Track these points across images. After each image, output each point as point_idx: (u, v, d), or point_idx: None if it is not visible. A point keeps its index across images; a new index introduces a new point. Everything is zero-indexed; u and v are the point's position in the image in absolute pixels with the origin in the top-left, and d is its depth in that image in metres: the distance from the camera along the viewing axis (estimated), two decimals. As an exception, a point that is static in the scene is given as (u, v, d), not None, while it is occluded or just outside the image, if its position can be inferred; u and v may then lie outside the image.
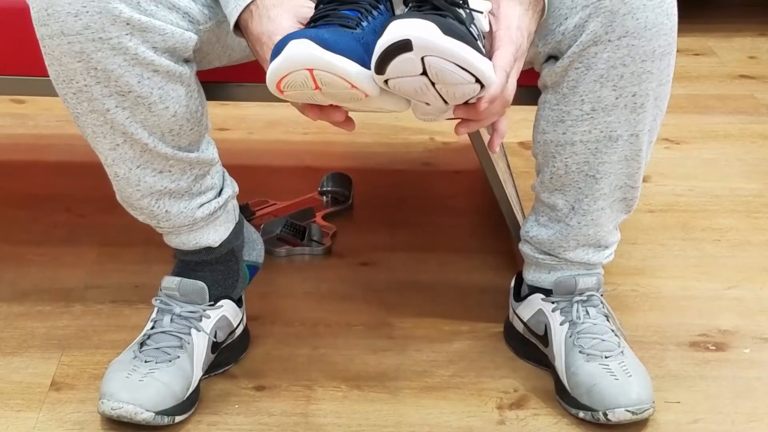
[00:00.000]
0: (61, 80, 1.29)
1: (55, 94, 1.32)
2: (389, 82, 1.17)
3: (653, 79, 1.32)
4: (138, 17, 1.25)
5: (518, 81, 1.39)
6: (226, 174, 1.46)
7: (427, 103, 1.21)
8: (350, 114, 1.24)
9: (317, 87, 1.17)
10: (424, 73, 1.15)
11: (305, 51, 1.15)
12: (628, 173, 1.39)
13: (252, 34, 1.25)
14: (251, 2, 1.24)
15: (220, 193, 1.44)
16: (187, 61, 1.33)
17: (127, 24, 1.25)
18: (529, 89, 1.42)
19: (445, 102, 1.19)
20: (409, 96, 1.20)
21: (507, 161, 2.04)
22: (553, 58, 1.36)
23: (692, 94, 2.48)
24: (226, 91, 1.48)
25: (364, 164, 2.13)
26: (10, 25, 1.44)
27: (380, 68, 1.15)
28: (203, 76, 1.38)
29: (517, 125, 2.15)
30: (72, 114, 1.32)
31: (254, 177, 2.00)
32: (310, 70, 1.15)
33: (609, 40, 1.30)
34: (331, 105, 1.22)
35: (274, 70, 1.17)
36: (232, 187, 1.47)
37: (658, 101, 1.36)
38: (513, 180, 1.93)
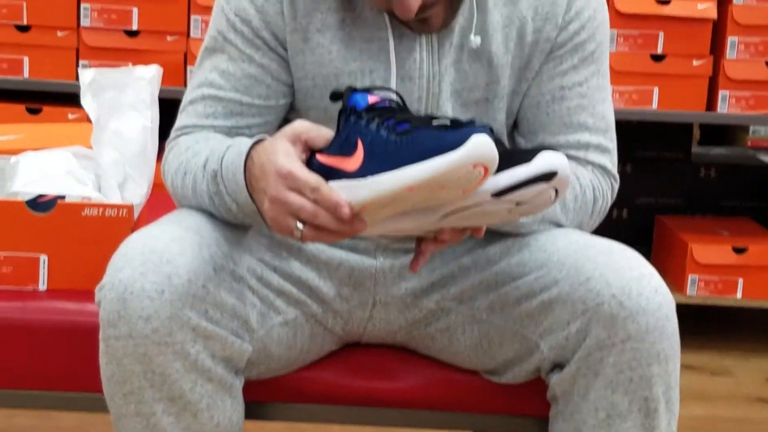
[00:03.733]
0: (115, 381, 1.27)
1: (78, 410, 1.32)
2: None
3: (662, 383, 1.31)
4: (204, 325, 1.26)
5: (528, 401, 1.41)
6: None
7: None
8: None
9: (443, 186, 1.11)
10: (521, 203, 1.17)
11: (489, 146, 1.08)
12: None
13: (252, 176, 1.24)
14: (252, 148, 1.24)
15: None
16: (237, 372, 1.33)
17: (193, 330, 1.25)
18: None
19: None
20: (476, 216, 1.20)
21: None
22: (558, 367, 1.35)
23: (711, 415, 2.45)
24: (262, 411, 1.45)
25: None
26: (39, 344, 1.46)
27: (507, 191, 1.15)
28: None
29: None
30: (114, 416, 1.30)
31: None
32: (476, 166, 1.09)
33: (613, 344, 1.29)
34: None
35: (454, 161, 1.08)
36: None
37: (669, 404, 1.33)
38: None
